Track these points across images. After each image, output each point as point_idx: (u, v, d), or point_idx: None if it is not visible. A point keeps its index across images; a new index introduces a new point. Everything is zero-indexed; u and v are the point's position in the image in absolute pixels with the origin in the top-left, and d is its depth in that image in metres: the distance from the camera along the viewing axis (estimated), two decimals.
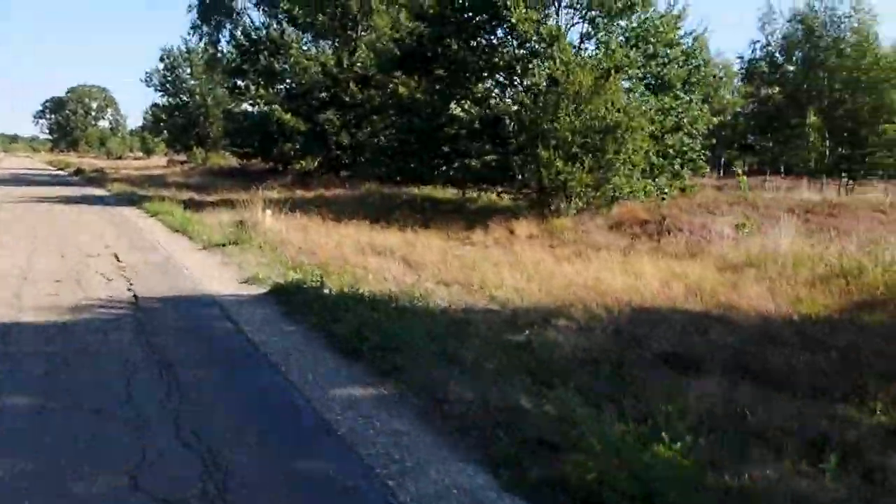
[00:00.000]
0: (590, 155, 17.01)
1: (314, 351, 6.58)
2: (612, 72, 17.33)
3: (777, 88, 41.35)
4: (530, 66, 18.10)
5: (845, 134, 38.45)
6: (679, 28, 19.49)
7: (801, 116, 38.64)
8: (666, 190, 19.64)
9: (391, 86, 26.86)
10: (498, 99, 19.58)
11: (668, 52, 19.11)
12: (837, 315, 9.52)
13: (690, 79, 19.75)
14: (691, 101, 19.21)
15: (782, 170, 42.28)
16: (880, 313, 9.39)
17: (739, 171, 17.94)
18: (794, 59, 40.71)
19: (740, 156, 46.57)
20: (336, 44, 30.19)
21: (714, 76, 23.51)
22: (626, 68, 17.76)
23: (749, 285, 10.94)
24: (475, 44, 19.46)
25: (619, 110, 16.91)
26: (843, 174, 39.06)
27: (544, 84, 17.37)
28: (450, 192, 24.14)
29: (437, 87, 20.24)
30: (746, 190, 17.53)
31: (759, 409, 5.58)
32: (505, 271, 11.87)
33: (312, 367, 6.09)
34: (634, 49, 18.32)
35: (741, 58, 39.91)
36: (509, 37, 18.59)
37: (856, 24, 37.94)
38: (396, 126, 22.51)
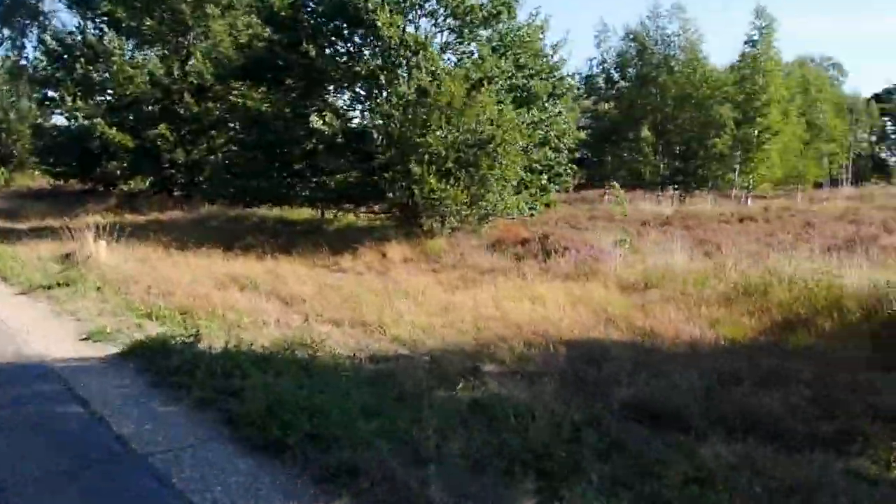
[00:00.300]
0: (464, 171, 15.87)
1: (215, 447, 4.67)
2: (485, 82, 16.31)
3: (613, 104, 42.52)
4: (396, 76, 16.69)
5: (677, 148, 40.11)
6: (543, 39, 18.83)
7: (636, 131, 39.89)
8: (534, 206, 18.86)
9: (232, 97, 24.67)
10: (362, 111, 18.06)
11: (535, 63, 18.36)
12: (762, 337, 8.90)
13: (556, 91, 19.13)
14: (560, 113, 18.55)
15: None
16: (804, 334, 8.81)
17: (616, 186, 17.50)
18: (627, 75, 42.01)
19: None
20: (166, 51, 27.38)
21: (578, 89, 23.01)
22: (497, 79, 16.78)
23: (660, 308, 10.18)
24: (333, 51, 17.84)
25: (491, 123, 15.89)
26: (675, 186, 40.71)
27: (413, 95, 16.02)
28: (304, 213, 22.27)
29: (291, 97, 18.40)
30: (625, 205, 16.97)
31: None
32: (394, 303, 10.43)
33: (221, 477, 4.24)
34: (503, 59, 17.38)
35: (579, 74, 40.56)
36: (371, 44, 17.10)
37: (684, 43, 39.70)
38: (242, 142, 20.37)
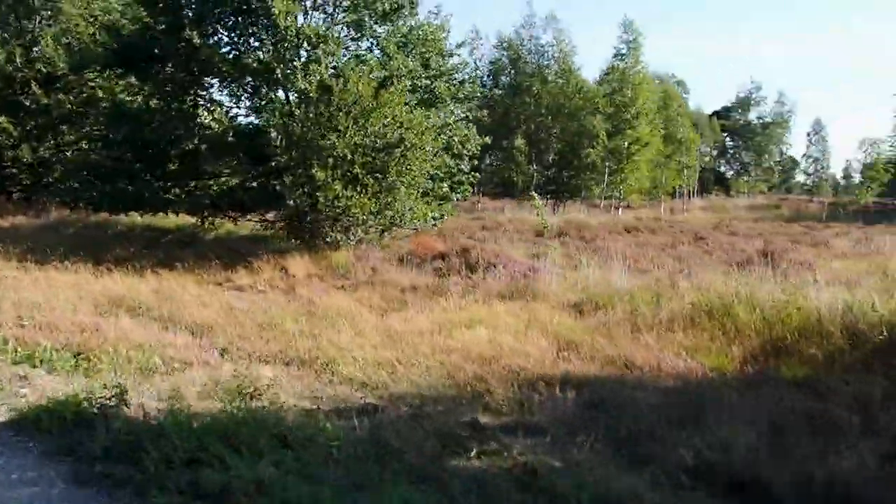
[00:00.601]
0: (372, 177, 14.45)
1: None
2: (394, 81, 14.98)
3: (486, 112, 42.13)
4: (293, 70, 15.02)
5: (551, 157, 40.26)
6: (447, 37, 17.72)
7: (510, 140, 39.69)
8: (436, 215, 17.67)
9: (90, 88, 21.96)
10: (252, 108, 16.15)
11: (440, 63, 17.20)
12: (750, 368, 8.11)
13: (458, 94, 18.05)
14: (467, 117, 17.49)
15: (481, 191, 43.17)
16: (793, 362, 8.10)
17: (535, 196, 16.64)
18: (500, 83, 41.80)
19: None
20: (6, 35, 24.04)
21: (480, 93, 22.03)
22: (404, 78, 15.48)
23: (622, 333, 9.24)
24: (219, 39, 15.90)
25: (401, 125, 14.57)
26: (548, 196, 40.86)
27: (315, 92, 14.42)
28: (174, 220, 19.93)
29: (167, 90, 16.26)
30: (544, 216, 16.07)
31: None
32: (324, 332, 8.92)
33: None
34: (410, 57, 16.10)
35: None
36: (264, 34, 15.32)
37: (557, 53, 39.92)
38: (106, 139, 17.90)
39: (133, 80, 18.07)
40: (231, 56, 15.88)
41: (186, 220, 19.54)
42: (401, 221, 15.42)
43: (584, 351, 8.48)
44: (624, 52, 38.92)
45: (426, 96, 16.98)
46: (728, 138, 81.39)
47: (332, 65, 15.40)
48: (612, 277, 12.29)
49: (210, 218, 16.56)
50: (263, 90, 16.00)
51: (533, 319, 9.84)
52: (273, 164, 14.94)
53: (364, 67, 15.29)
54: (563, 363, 7.97)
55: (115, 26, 17.13)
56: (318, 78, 14.73)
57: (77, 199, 17.04)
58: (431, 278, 12.85)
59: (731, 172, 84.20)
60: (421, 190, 15.73)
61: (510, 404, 6.22)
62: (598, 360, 8.16)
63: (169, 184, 16.52)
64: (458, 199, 19.59)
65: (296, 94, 14.87)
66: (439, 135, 16.66)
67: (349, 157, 14.15)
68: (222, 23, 15.54)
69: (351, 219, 14.46)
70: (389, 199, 14.78)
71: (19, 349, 6.69)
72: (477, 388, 6.75)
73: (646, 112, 38.72)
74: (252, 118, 16.32)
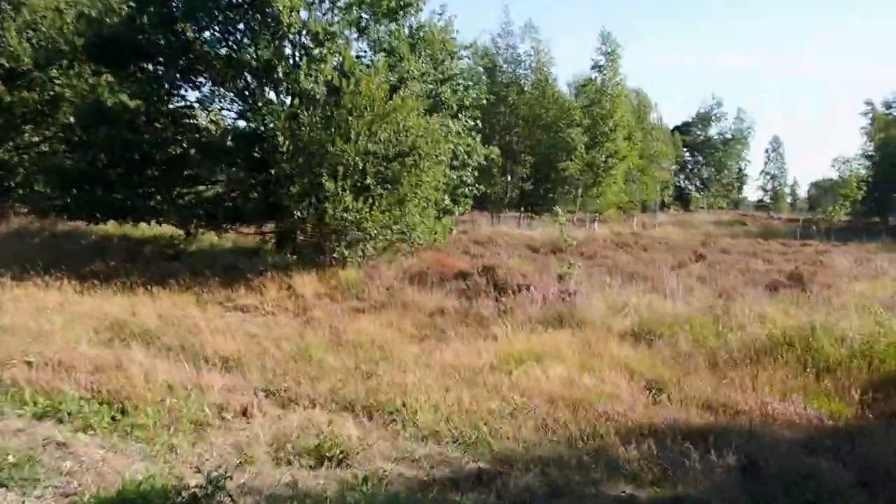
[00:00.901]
0: (384, 187, 13.31)
1: None
2: (406, 84, 13.88)
3: None
4: (296, 69, 13.80)
5: (526, 170, 39.33)
6: (455, 38, 16.67)
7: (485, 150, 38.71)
8: (439, 230, 16.51)
9: (58, 85, 20.31)
10: (248, 110, 14.80)
11: (449, 66, 16.12)
12: (870, 412, 7.14)
13: (464, 102, 16.99)
14: (477, 125, 16.44)
15: None
16: None
17: (559, 211, 15.64)
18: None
19: None
20: None
21: (487, 101, 20.94)
22: (416, 81, 14.38)
23: (700, 369, 8.27)
24: (212, 35, 14.57)
25: (414, 132, 13.46)
26: (524, 209, 40.03)
27: (322, 94, 13.24)
28: (151, 231, 18.38)
29: (153, 89, 14.85)
30: (567, 233, 15.03)
31: None
32: (368, 365, 7.77)
33: None
34: (421, 59, 15.00)
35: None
36: (265, 29, 14.03)
37: (535, 64, 39.15)
38: (80, 141, 16.32)
39: (110, 77, 16.60)
40: (225, 53, 14.56)
41: (164, 230, 18.06)
42: (410, 236, 14.25)
43: (671, 392, 7.49)
44: (602, 63, 38.34)
45: (432, 102, 15.86)
46: (688, 153, 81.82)
47: (338, 65, 14.20)
48: (647, 301, 11.44)
49: (200, 229, 15.11)
50: (258, 91, 14.67)
51: (594, 351, 8.83)
52: (274, 172, 13.66)
53: (371, 69, 14.13)
54: (659, 407, 6.97)
55: (96, 18, 15.58)
56: (325, 78, 13.55)
57: (47, 207, 15.41)
58: (458, 300, 11.71)
59: (691, 188, 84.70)
60: (432, 202, 14.59)
61: (649, 468, 5.15)
62: (695, 404, 7.17)
63: (151, 190, 15.11)
64: (459, 213, 18.49)
65: (299, 96, 13.61)
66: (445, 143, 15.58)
67: (360, 165, 12.99)
68: (217, 16, 14.17)
69: (359, 233, 13.26)
70: (400, 213, 13.64)
71: (39, 398, 5.35)
72: (592, 444, 5.67)
73: (623, 125, 38.16)
74: (244, 121, 14.90)
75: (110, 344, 8.04)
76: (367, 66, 14.41)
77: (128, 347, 7.80)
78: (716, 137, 76.80)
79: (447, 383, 7.15)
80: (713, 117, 76.85)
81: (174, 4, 14.09)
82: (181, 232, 17.80)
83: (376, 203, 13.05)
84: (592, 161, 37.19)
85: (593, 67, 38.68)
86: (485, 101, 19.53)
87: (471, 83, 17.94)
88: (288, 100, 14.12)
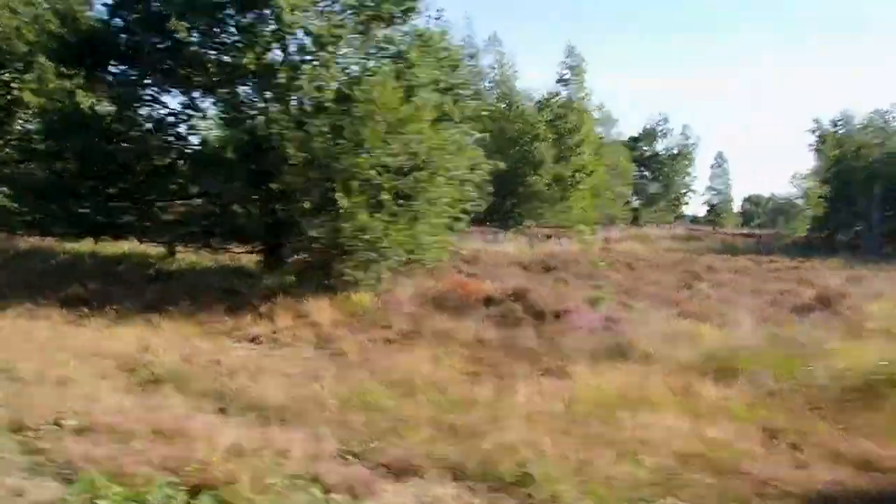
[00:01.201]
0: (399, 204, 12.22)
1: None
2: (415, 91, 12.86)
3: None
4: (299, 74, 12.63)
5: (492, 184, 38.53)
6: (460, 46, 15.67)
7: None
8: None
9: (16, 88, 18.56)
10: (239, 118, 13.49)
11: (453, 75, 15.12)
12: None
13: (465, 112, 15.97)
14: (485, 138, 15.48)
15: None
16: None
17: (586, 228, 14.60)
18: None
19: None
20: None
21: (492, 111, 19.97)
22: (427, 89, 13.36)
23: (810, 417, 7.36)
24: (204, 38, 13.23)
25: (423, 143, 12.47)
26: (491, 224, 39.19)
27: (332, 101, 12.12)
28: (121, 248, 16.79)
29: (136, 94, 13.47)
30: (596, 256, 14.01)
31: None
32: (447, 416, 6.71)
33: None
34: (428, 66, 13.95)
35: None
36: (266, 31, 12.81)
37: (499, 77, 38.52)
38: (47, 151, 14.76)
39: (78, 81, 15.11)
40: (217, 56, 13.27)
41: (136, 247, 16.51)
42: (423, 255, 13.17)
43: (797, 442, 6.56)
44: (567, 76, 37.94)
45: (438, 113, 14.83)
46: (635, 169, 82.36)
47: (343, 70, 13.10)
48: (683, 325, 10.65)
49: (189, 247, 13.74)
50: (258, 97, 13.43)
51: (687, 392, 7.89)
52: (274, 186, 12.44)
53: (381, 75, 13.05)
54: (802, 466, 6.05)
55: (70, 14, 14.07)
56: (333, 85, 12.43)
57: (14, 223, 13.83)
58: (494, 329, 10.64)
59: (639, 203, 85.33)
60: (443, 220, 13.56)
61: None
62: (829, 458, 6.27)
63: (130, 205, 13.69)
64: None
65: (303, 104, 12.45)
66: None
67: (375, 179, 11.88)
68: (214, 15, 12.88)
69: (374, 253, 12.13)
70: (415, 231, 12.58)
71: (114, 487, 4.09)
72: None
73: (590, 139, 37.77)
74: (242, 131, 13.55)
75: (136, 391, 6.75)
76: (374, 73, 13.25)
77: (159, 395, 6.54)
78: (662, 153, 77.54)
79: (546, 436, 6.08)
80: (659, 133, 77.64)
81: (162, 2, 12.76)
82: (156, 250, 16.37)
83: (394, 220, 11.96)
84: (558, 175, 36.67)
85: (559, 81, 38.26)
86: (485, 113, 18.58)
87: (471, 93, 16.88)
88: (298, 105, 12.88)
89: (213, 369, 7.89)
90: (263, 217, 12.66)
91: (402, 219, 12.11)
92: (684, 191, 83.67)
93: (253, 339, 10.40)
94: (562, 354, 9.50)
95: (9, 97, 18.50)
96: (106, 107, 13.64)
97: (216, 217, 12.80)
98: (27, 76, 18.31)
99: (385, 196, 11.94)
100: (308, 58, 12.96)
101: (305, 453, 5.36)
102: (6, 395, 5.80)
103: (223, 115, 13.12)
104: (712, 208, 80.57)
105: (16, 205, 13.96)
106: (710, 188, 79.52)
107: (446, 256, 14.58)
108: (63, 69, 14.62)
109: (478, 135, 15.75)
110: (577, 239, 13.70)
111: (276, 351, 9.84)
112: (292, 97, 12.86)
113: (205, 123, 12.37)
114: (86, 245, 16.07)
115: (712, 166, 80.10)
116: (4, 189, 17.42)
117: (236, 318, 11.13)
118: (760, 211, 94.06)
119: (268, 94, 13.13)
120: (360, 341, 10.14)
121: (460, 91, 16.12)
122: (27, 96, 17.84)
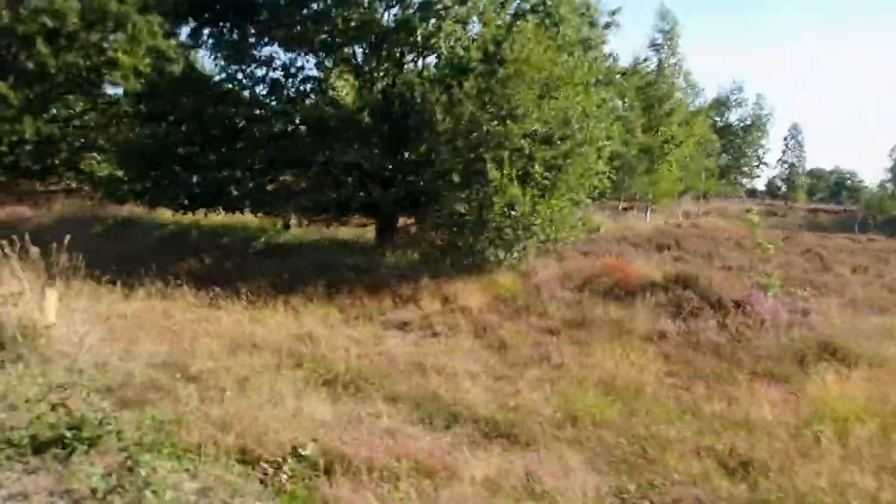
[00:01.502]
0: (546, 176, 10.94)
1: None
2: (567, 51, 11.54)
3: None
4: (440, 31, 11.39)
5: None
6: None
7: None
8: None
9: (109, 48, 17.64)
10: (363, 79, 12.30)
11: (591, 33, 13.74)
12: None
13: (600, 77, 14.56)
14: (625, 104, 14.09)
15: None
16: None
17: (754, 210, 13.37)
18: None
19: None
20: None
21: (624, 74, 18.52)
22: (577, 48, 12.03)
23: None
24: None
25: (575, 109, 11.16)
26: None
27: (477, 60, 10.87)
28: (222, 219, 15.80)
29: (255, 55, 12.40)
30: (762, 239, 12.51)
31: None
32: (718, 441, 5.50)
33: None
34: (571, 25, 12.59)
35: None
36: None
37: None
38: (146, 112, 13.80)
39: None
40: (344, 13, 12.06)
41: (231, 219, 15.50)
42: (562, 233, 11.92)
43: None
44: (660, 42, 35.89)
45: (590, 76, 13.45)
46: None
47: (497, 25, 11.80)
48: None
49: (304, 219, 12.72)
50: (395, 56, 12.21)
51: None
52: (410, 155, 11.28)
53: (535, 22, 11.76)
54: None
55: None
56: (479, 43, 11.18)
57: (122, 192, 12.93)
58: (671, 321, 9.35)
59: (705, 175, 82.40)
60: (586, 194, 12.29)
61: None
62: None
63: (246, 174, 12.68)
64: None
65: (447, 65, 11.22)
66: None
67: (526, 149, 10.64)
68: None
69: (521, 231, 10.93)
70: (562, 206, 11.35)
71: None
72: None
73: (680, 109, 35.73)
74: (376, 94, 12.35)
75: (334, 395, 5.70)
76: (521, 30, 11.92)
77: (366, 403, 5.48)
78: (735, 123, 74.51)
79: (863, 474, 4.83)
80: (733, 103, 74.53)
81: None
82: (256, 221, 15.48)
83: (546, 194, 10.74)
84: (648, 146, 34.77)
85: (650, 46, 36.21)
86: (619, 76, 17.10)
87: (608, 55, 15.49)
88: (442, 66, 11.66)
89: (387, 365, 6.83)
90: (398, 190, 11.49)
91: (552, 193, 10.86)
92: (756, 163, 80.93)
93: (401, 327, 9.33)
94: (759, 353, 8.23)
95: (102, 57, 17.51)
96: (227, 66, 12.58)
97: (345, 188, 11.67)
98: (118, 35, 17.45)
99: (536, 168, 10.70)
100: (444, 13, 11.66)
101: (571, 491, 4.22)
102: (207, 406, 4.76)
103: (358, 77, 11.95)
104: (786, 181, 77.63)
105: (121, 173, 13.02)
106: (781, 160, 76.46)
107: (581, 234, 13.27)
108: (166, 26, 13.68)
109: (616, 99, 14.35)
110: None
111: (432, 341, 8.74)
112: (431, 56, 11.61)
113: (338, 85, 11.11)
114: (181, 216, 15.18)
115: (786, 138, 76.83)
116: (95, 156, 16.62)
117: (377, 300, 10.07)
118: (823, 185, 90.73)
119: (405, 54, 11.89)
120: (520, 331, 8.99)
121: (598, 54, 14.81)
122: (122, 57, 17.06)
